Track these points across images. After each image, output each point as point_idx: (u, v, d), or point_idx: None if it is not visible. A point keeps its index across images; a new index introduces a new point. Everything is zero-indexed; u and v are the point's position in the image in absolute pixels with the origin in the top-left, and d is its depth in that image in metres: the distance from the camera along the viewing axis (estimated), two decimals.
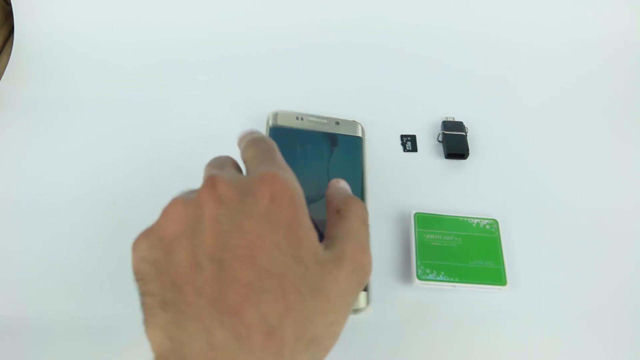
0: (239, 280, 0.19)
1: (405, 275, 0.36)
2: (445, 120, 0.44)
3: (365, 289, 0.34)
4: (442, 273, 0.35)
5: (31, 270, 0.36)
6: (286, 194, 0.21)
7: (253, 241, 0.19)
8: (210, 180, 0.21)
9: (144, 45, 0.50)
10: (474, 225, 0.37)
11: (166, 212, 0.22)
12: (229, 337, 0.18)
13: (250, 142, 0.26)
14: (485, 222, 0.37)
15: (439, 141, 0.43)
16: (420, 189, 0.41)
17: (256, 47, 0.50)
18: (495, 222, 0.37)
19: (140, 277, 0.21)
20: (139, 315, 0.34)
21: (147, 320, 0.20)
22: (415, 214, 0.37)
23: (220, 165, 0.25)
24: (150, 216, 0.39)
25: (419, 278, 0.35)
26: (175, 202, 0.22)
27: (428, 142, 0.44)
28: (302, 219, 0.21)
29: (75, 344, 0.33)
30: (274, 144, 0.26)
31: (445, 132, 0.43)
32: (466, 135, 0.43)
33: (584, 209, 0.40)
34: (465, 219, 0.37)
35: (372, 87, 0.47)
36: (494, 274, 0.35)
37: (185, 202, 0.22)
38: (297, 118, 0.39)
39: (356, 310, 0.33)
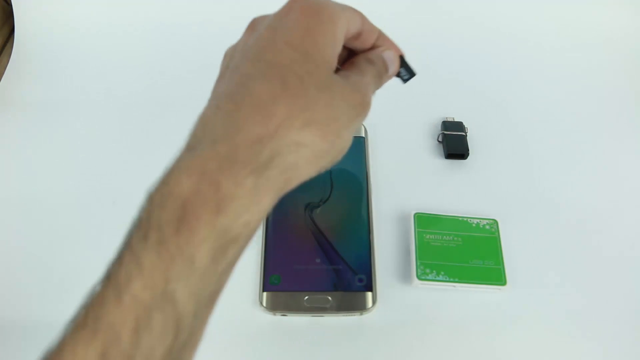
0: (242, 73, 0.21)
1: (405, 276, 0.36)
2: (445, 120, 0.44)
3: (371, 289, 0.34)
4: (442, 273, 0.35)
5: (31, 270, 0.37)
6: (306, 5, 0.22)
7: (264, 43, 0.22)
8: (251, 21, 0.25)
9: (144, 45, 0.50)
10: (474, 225, 0.37)
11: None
12: (218, 117, 0.20)
13: None
14: (485, 222, 0.37)
15: (439, 141, 0.43)
16: (420, 189, 0.41)
17: None
18: (495, 222, 0.37)
19: None
20: None
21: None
22: (415, 215, 0.38)
23: None
24: None
25: (419, 278, 0.35)
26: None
27: (428, 142, 0.44)
28: (322, 29, 0.22)
29: None
30: None
31: (445, 132, 0.43)
32: (466, 135, 0.43)
33: (584, 208, 0.40)
34: (465, 219, 0.37)
35: None
36: (494, 274, 0.35)
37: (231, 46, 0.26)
38: None
39: (363, 311, 0.34)
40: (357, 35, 0.25)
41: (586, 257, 0.37)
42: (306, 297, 0.34)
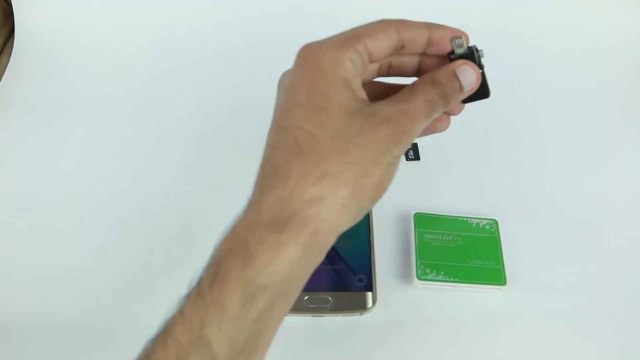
0: (269, 145, 0.23)
1: (405, 275, 0.36)
2: None
3: (371, 290, 0.34)
4: (442, 273, 0.35)
5: (31, 270, 0.37)
6: (307, 55, 0.23)
7: (280, 108, 0.24)
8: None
9: (144, 46, 0.50)
10: (474, 225, 0.37)
11: None
12: (254, 190, 0.23)
13: None
14: (485, 222, 0.37)
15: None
16: (420, 189, 0.41)
17: (261, 50, 0.50)
18: (495, 222, 0.37)
19: None
20: (139, 316, 0.35)
21: None
22: (415, 215, 0.37)
23: None
24: (150, 216, 0.39)
25: (419, 278, 0.35)
26: None
27: (428, 142, 0.43)
28: (327, 74, 0.23)
29: (75, 343, 0.33)
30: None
31: None
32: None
33: (584, 209, 0.40)
34: (465, 219, 0.37)
35: None
36: (494, 274, 0.35)
37: None
38: None
39: (363, 311, 0.34)
40: (400, 47, 0.24)
41: (586, 257, 0.37)
42: (306, 297, 0.34)
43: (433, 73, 0.25)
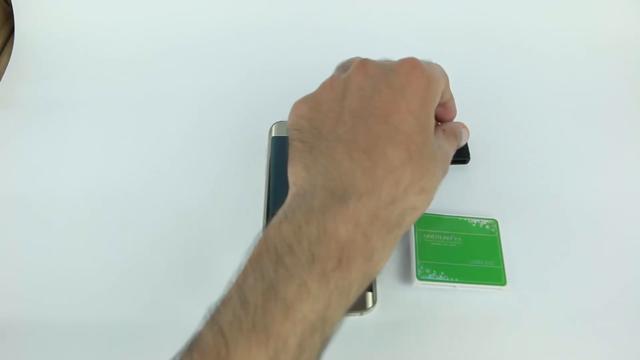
0: (372, 131, 0.24)
1: (405, 276, 0.36)
2: None
3: (371, 290, 0.34)
4: (442, 273, 0.35)
5: (31, 270, 0.37)
6: (423, 76, 0.25)
7: (389, 105, 0.24)
8: (362, 62, 0.26)
9: (144, 45, 0.50)
10: (474, 225, 0.37)
11: (324, 85, 0.27)
12: (356, 169, 0.23)
13: None
14: (485, 222, 0.37)
15: None
16: None
17: (261, 50, 0.50)
18: (495, 222, 0.37)
19: (296, 129, 0.26)
20: (138, 315, 0.35)
21: (294, 160, 0.26)
22: None
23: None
24: (151, 216, 0.39)
25: (419, 278, 0.35)
26: (331, 78, 0.27)
27: None
28: (432, 101, 0.26)
29: (76, 344, 0.33)
30: None
31: None
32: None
33: (584, 208, 0.40)
34: (465, 219, 0.37)
35: None
36: (494, 274, 0.35)
37: (339, 78, 0.27)
38: None
39: (363, 311, 0.34)
40: (444, 104, 0.30)
41: (586, 257, 0.37)
42: None
43: (453, 127, 0.33)
